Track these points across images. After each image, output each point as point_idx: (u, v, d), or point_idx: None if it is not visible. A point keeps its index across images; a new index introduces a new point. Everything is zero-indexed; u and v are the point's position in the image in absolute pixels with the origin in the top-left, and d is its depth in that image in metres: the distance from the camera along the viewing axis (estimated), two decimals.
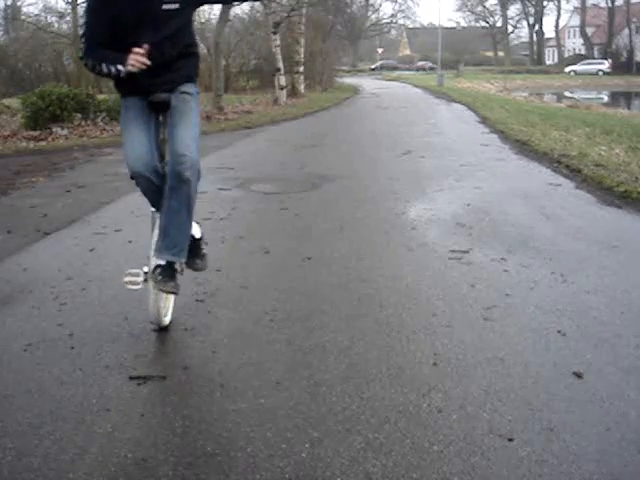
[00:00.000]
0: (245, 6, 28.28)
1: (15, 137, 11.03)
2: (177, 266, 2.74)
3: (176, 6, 2.65)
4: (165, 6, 2.63)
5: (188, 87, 2.84)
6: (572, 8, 63.97)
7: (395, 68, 57.46)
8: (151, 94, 2.72)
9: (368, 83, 36.31)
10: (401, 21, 66.28)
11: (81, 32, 2.88)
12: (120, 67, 2.60)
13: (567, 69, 52.30)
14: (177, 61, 2.78)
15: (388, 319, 3.03)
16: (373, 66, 59.72)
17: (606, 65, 51.39)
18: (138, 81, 2.69)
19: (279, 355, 2.67)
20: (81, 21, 25.65)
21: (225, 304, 3.26)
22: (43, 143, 10.42)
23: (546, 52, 66.25)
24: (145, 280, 2.76)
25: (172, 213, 2.67)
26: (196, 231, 2.98)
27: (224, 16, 17.37)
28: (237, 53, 28.38)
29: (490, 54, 64.34)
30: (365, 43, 67.54)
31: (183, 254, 2.75)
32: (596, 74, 49.38)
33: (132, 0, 2.59)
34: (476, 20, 64.76)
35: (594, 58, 55.64)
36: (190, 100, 2.81)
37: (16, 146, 10.08)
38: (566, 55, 63.19)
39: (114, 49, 2.65)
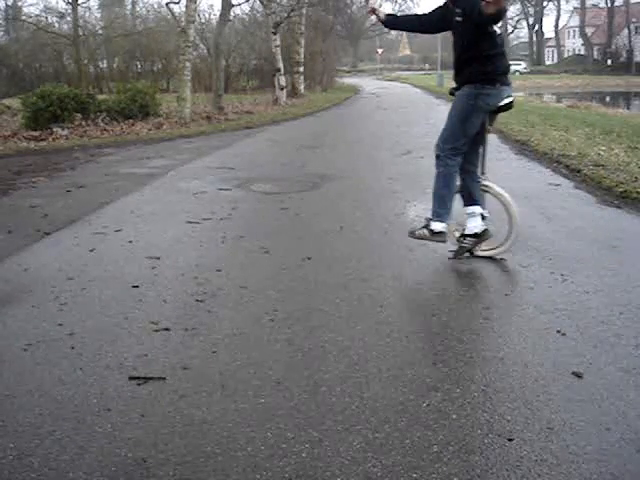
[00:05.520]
0: (245, 6, 28.28)
1: (16, 137, 11.05)
2: (435, 227, 3.76)
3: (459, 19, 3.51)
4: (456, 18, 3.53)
5: (464, 88, 3.64)
6: (572, 8, 64.11)
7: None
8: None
9: (368, 83, 36.33)
10: None
11: None
12: None
13: None
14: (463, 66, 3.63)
15: (388, 319, 3.03)
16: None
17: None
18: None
19: (279, 355, 2.67)
20: (81, 22, 25.61)
21: (225, 304, 3.26)
22: (43, 143, 10.44)
23: (546, 52, 66.28)
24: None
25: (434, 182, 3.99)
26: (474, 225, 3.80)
27: (224, 16, 17.38)
28: (237, 53, 28.42)
29: None
30: (365, 43, 67.52)
31: (437, 218, 3.76)
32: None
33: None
34: None
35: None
36: (457, 97, 3.69)
37: (17, 146, 10.10)
38: (565, 55, 63.25)
39: None
